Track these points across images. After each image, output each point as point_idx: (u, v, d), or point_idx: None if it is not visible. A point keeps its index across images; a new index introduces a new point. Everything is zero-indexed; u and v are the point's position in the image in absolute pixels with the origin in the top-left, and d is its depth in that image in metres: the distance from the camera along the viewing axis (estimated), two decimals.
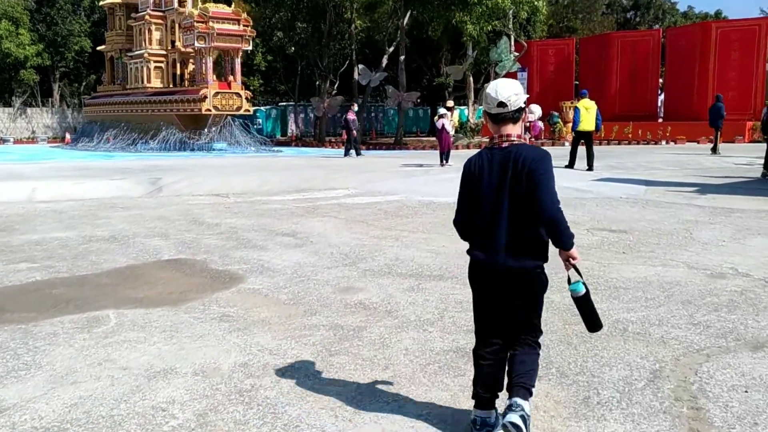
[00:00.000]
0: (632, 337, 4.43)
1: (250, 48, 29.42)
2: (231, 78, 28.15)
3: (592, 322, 3.07)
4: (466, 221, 3.08)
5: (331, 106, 35.92)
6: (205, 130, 27.73)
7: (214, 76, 27.78)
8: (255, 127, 42.59)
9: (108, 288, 5.90)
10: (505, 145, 2.98)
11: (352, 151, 23.19)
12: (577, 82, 37.84)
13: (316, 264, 6.74)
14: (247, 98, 28.64)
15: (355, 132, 23.46)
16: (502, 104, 2.96)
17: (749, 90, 31.27)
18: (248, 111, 29.01)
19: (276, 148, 29.40)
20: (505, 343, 3.08)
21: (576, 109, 17.15)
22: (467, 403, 3.37)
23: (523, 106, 3.00)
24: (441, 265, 6.58)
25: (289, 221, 9.48)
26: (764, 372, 3.78)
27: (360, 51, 44.48)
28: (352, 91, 37.89)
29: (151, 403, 3.45)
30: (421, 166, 18.38)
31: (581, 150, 16.99)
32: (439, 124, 17.58)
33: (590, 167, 16.47)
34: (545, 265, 3.06)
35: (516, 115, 2.99)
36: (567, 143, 30.14)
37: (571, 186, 12.59)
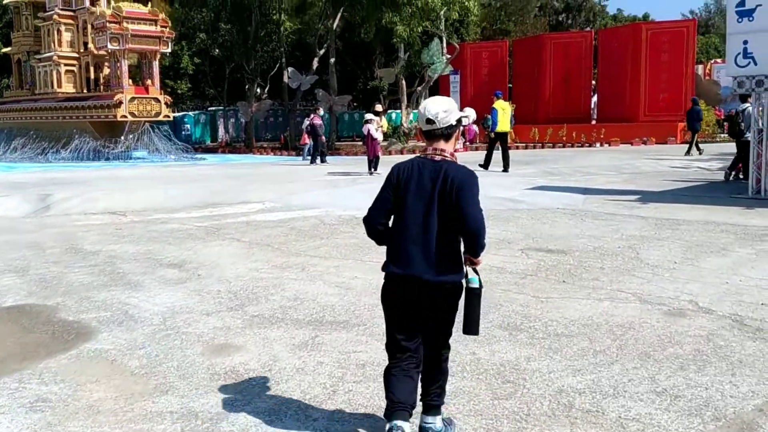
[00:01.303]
0: (581, 418, 3.34)
1: (169, 50, 27.60)
2: (149, 82, 26.32)
3: (471, 323, 3.00)
4: (378, 222, 3.02)
5: (259, 111, 34.43)
6: (122, 137, 25.84)
7: (130, 81, 25.93)
8: (183, 133, 40.73)
9: None
10: (437, 158, 2.96)
11: (317, 158, 21.64)
12: (511, 85, 37.39)
13: (194, 308, 5.46)
14: (166, 103, 26.83)
15: (323, 137, 21.98)
16: (430, 121, 2.96)
17: (680, 91, 31.27)
18: (168, 117, 27.22)
19: (199, 156, 27.70)
20: (418, 358, 3.04)
21: (494, 110, 17.32)
22: None
23: (454, 123, 2.98)
24: (348, 306, 5.40)
25: (183, 246, 8.15)
26: None
27: (291, 54, 42.99)
28: (282, 94, 36.48)
29: None
30: (348, 174, 17.17)
31: (497, 153, 17.29)
32: (365, 130, 16.38)
33: (506, 169, 16.78)
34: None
35: (447, 132, 2.99)
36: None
37: (505, 196, 11.62)
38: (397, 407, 2.95)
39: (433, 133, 2.98)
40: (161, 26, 25.88)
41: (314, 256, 7.43)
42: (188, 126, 41.99)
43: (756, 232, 8.32)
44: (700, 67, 39.01)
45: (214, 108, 45.02)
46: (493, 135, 17.69)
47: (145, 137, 26.35)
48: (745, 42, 10.06)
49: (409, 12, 24.26)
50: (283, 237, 8.67)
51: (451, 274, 2.93)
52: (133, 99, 25.50)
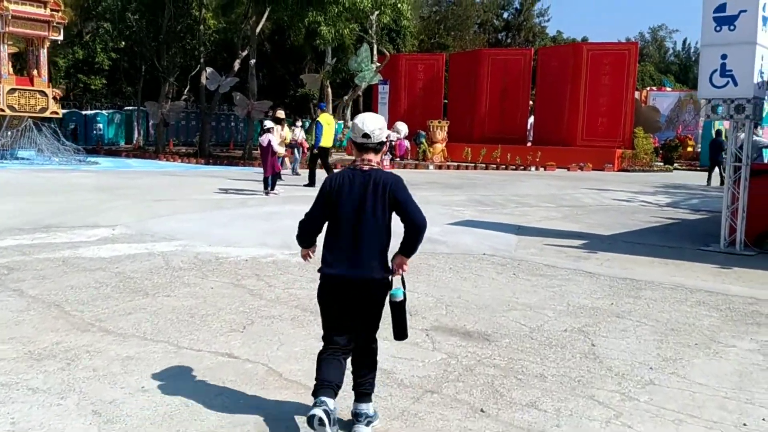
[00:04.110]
0: None
1: (60, 38, 24.22)
2: (35, 73, 23.02)
3: (400, 330, 3.35)
4: (313, 227, 3.38)
5: (171, 112, 31.29)
6: None
7: (10, 69, 22.58)
8: (95, 132, 37.32)
9: None
10: (366, 168, 3.30)
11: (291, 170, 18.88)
12: (446, 101, 35.43)
13: None
14: (55, 98, 23.53)
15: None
16: (366, 135, 3.32)
17: (619, 117, 29.83)
18: (56, 113, 23.88)
19: (92, 159, 24.28)
20: (349, 347, 3.32)
21: (318, 124, 15.62)
22: None
23: (384, 140, 3.38)
24: None
25: None
26: None
27: (217, 54, 39.98)
28: (199, 96, 33.51)
29: None
30: (241, 192, 14.48)
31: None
32: (264, 141, 13.52)
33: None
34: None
35: (378, 147, 3.37)
36: (432, 165, 27.33)
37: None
38: (324, 385, 3.19)
39: (366, 146, 3.33)
40: (51, 9, 22.64)
41: (110, 332, 4.82)
42: (101, 125, 38.52)
43: (744, 306, 6.15)
44: (637, 94, 38.05)
45: (131, 108, 41.46)
46: (316, 151, 15.89)
47: (28, 135, 22.99)
48: (724, 56, 7.98)
49: (335, 11, 21.79)
50: (92, 290, 6.01)
51: (379, 272, 3.25)
52: (12, 90, 22.17)
